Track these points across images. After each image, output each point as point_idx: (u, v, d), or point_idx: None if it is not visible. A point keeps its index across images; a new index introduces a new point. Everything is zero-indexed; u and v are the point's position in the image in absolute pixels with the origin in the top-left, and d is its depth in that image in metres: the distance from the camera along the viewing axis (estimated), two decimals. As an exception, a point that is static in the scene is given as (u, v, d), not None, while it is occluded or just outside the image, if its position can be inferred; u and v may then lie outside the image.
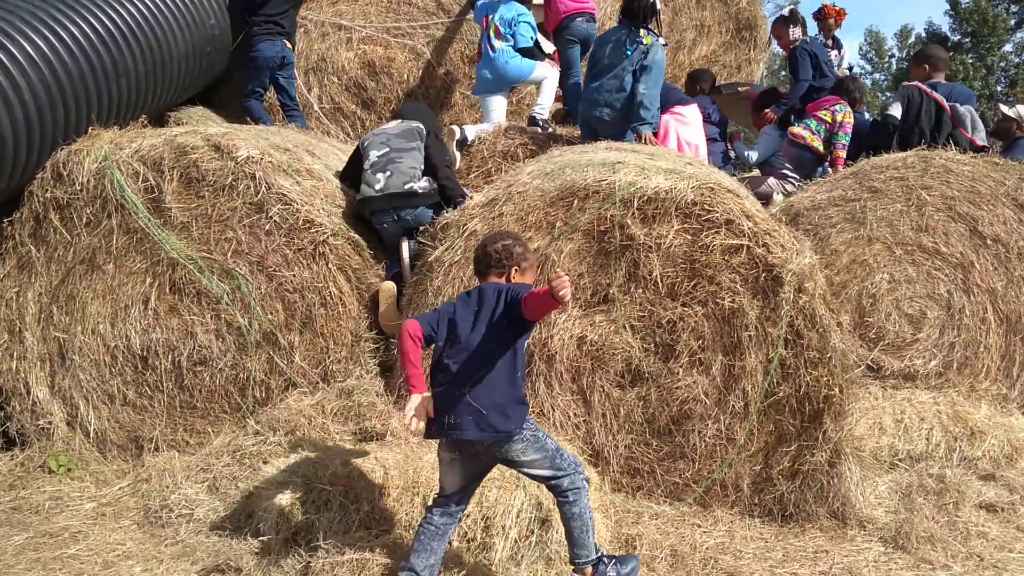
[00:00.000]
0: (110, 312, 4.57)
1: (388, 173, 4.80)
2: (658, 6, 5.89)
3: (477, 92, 6.70)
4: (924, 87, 6.08)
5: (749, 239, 3.98)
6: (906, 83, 6.29)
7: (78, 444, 4.57)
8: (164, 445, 4.55)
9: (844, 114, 6.58)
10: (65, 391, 4.60)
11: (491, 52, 6.55)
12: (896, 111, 5.98)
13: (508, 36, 6.64)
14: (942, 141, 5.71)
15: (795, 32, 7.06)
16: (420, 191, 4.77)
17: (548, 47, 7.15)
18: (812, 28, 8.13)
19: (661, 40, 5.83)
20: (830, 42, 8.17)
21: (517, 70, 6.63)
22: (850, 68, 7.64)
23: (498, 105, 6.66)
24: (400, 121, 5.21)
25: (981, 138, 5.89)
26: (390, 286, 4.53)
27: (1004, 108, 6.59)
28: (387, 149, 4.91)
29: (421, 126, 5.11)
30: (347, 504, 3.53)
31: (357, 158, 5.00)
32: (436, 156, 5.00)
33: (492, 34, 6.62)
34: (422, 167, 4.92)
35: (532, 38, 6.76)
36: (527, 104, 7.13)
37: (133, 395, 4.57)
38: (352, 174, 4.97)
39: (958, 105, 5.95)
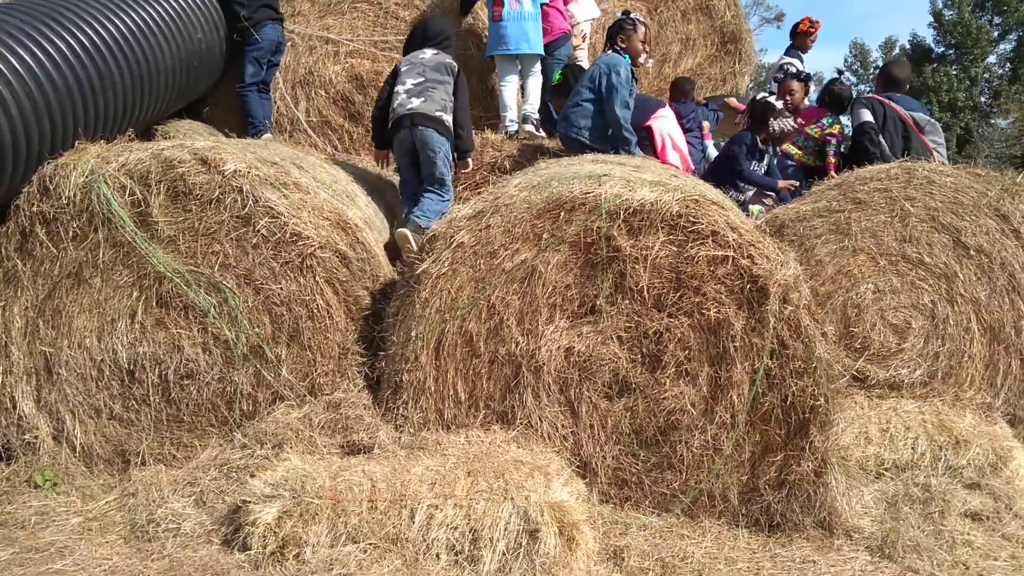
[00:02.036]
0: (97, 326, 4.56)
1: (423, 99, 5.44)
2: (631, 26, 5.98)
3: (496, 52, 6.88)
4: (882, 98, 6.20)
5: (734, 250, 4.01)
6: (864, 96, 6.42)
7: (64, 458, 4.54)
8: (151, 459, 4.53)
9: (831, 126, 6.66)
10: (51, 405, 4.58)
11: (514, 8, 6.66)
12: (868, 116, 6.09)
13: None
14: (912, 149, 5.83)
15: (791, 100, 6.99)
16: (445, 122, 5.45)
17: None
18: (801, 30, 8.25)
19: (642, 59, 5.97)
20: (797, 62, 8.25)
21: (537, 37, 6.80)
22: (839, 72, 7.72)
23: (513, 94, 6.71)
24: (435, 52, 5.71)
25: (938, 142, 5.99)
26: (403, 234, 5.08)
27: None
28: (422, 79, 5.52)
29: (453, 63, 5.70)
30: (335, 517, 3.52)
31: (392, 80, 5.64)
32: (460, 101, 5.63)
33: None
34: (452, 102, 5.54)
35: None
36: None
37: (120, 409, 4.56)
38: (383, 107, 5.60)
39: (921, 115, 6.07)
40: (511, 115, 6.89)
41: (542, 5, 6.95)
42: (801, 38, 8.26)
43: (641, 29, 6.08)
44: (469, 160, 5.86)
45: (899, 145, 6.11)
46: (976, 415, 4.80)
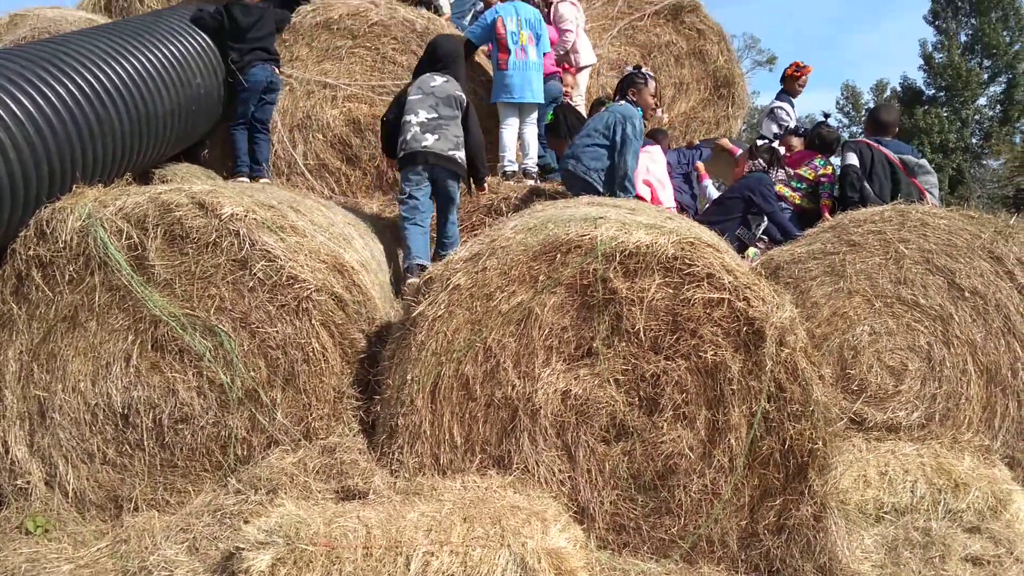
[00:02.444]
0: (91, 370, 4.53)
1: (437, 136, 5.69)
2: (642, 80, 6.14)
3: (501, 100, 6.98)
4: (871, 142, 6.28)
5: (730, 293, 4.01)
6: (851, 140, 6.52)
7: (56, 504, 4.50)
8: (144, 505, 4.48)
9: (823, 168, 6.72)
10: (44, 450, 4.54)
11: (520, 59, 6.77)
12: (854, 160, 6.17)
13: (536, 40, 6.95)
14: (902, 192, 5.89)
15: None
16: (459, 160, 5.76)
17: None
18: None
19: (659, 112, 6.17)
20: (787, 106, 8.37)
21: (539, 86, 6.95)
22: (826, 115, 7.83)
23: (513, 137, 6.87)
24: (445, 79, 5.90)
25: (930, 183, 6.04)
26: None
27: None
28: (436, 115, 5.74)
29: (462, 95, 5.92)
30: (329, 565, 3.48)
31: (399, 105, 5.84)
32: (473, 133, 5.95)
33: (524, 40, 6.79)
34: (462, 137, 5.81)
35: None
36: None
37: (113, 454, 4.52)
38: (393, 119, 5.84)
39: (910, 158, 6.13)
40: (510, 155, 6.96)
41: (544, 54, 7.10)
42: (789, 82, 8.38)
43: (652, 83, 6.32)
44: (486, 185, 6.28)
45: (887, 188, 6.17)
46: (975, 458, 4.77)
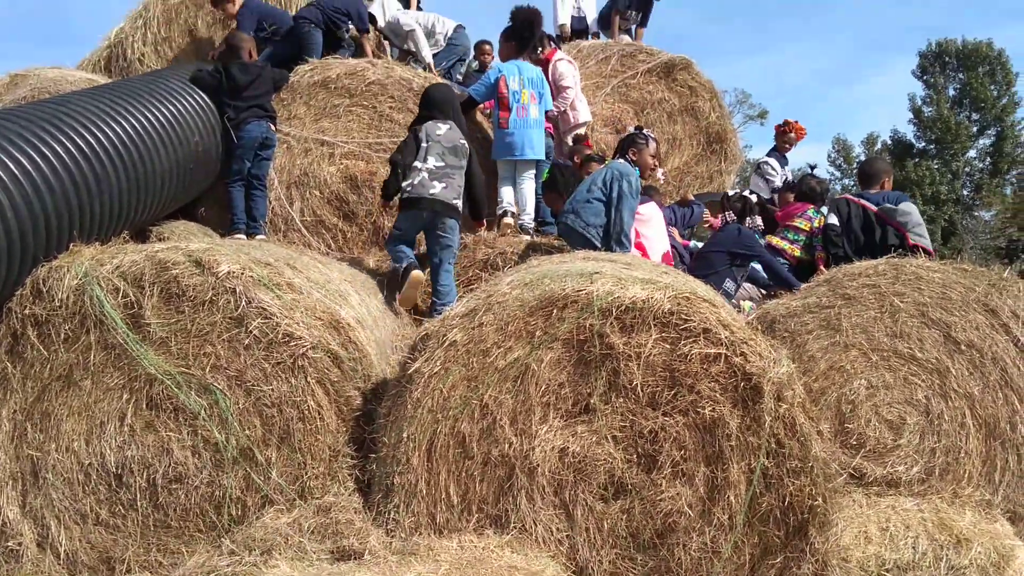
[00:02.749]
0: (85, 429, 4.50)
1: (444, 185, 5.94)
2: (643, 141, 6.26)
3: (502, 158, 7.16)
4: (850, 196, 6.37)
5: (727, 348, 4.01)
6: (833, 198, 6.62)
7: (48, 566, 4.43)
8: (136, 566, 4.41)
9: (819, 219, 6.77)
10: (36, 511, 4.48)
11: (521, 116, 6.96)
12: (833, 219, 6.26)
13: (539, 99, 7.10)
14: (880, 240, 5.95)
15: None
16: (459, 208, 6.03)
17: None
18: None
19: (659, 173, 6.27)
20: (776, 164, 8.49)
21: (540, 143, 7.13)
22: (812, 166, 7.94)
23: (510, 192, 7.06)
24: (450, 127, 6.13)
25: (919, 233, 6.07)
26: (419, 276, 5.65)
27: None
28: (443, 164, 6.00)
29: (466, 145, 6.18)
30: (324, 628, 3.42)
31: (410, 148, 6.02)
32: (477, 175, 6.27)
33: (526, 99, 6.95)
34: (463, 185, 6.09)
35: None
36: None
37: (106, 514, 4.46)
38: (409, 162, 5.98)
39: (888, 204, 6.19)
40: (508, 200, 7.04)
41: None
42: (778, 139, 8.51)
43: (652, 144, 6.44)
44: (483, 223, 6.65)
45: (862, 240, 6.23)
46: (976, 512, 4.73)
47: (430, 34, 8.70)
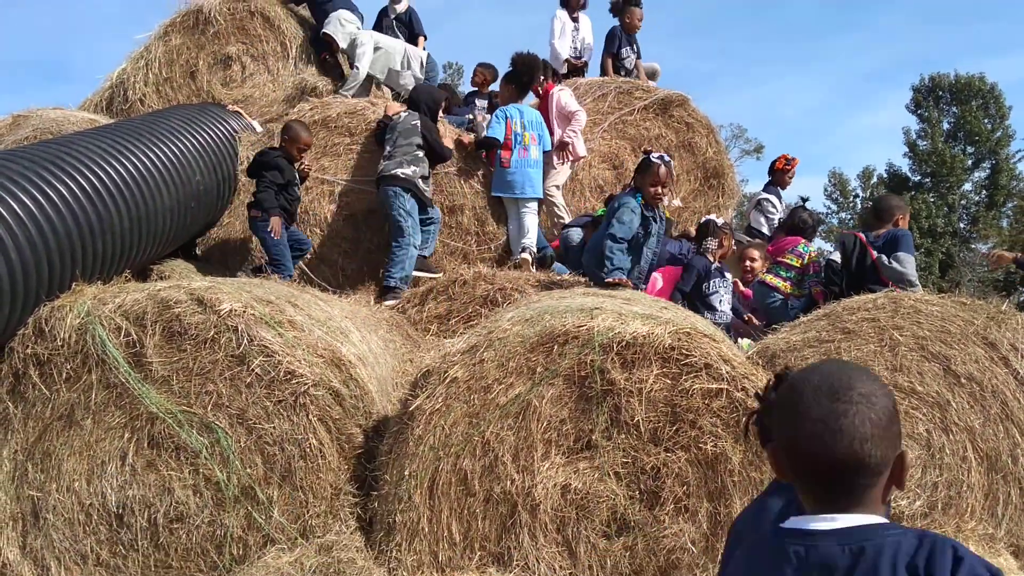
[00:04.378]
0: (86, 469, 4.49)
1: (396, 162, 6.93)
2: (646, 166, 5.98)
3: (503, 195, 7.41)
4: (859, 233, 6.37)
5: (728, 383, 4.03)
6: (843, 232, 6.66)
7: (47, 608, 4.40)
8: (136, 607, 4.39)
9: (809, 254, 6.77)
10: (37, 551, 4.46)
11: (522, 157, 7.22)
12: (835, 256, 6.27)
13: (539, 140, 7.40)
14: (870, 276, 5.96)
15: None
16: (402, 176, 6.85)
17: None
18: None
19: (670, 199, 6.10)
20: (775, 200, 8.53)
21: (539, 181, 7.36)
22: (803, 199, 7.97)
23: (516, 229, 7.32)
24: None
25: (899, 258, 6.01)
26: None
27: None
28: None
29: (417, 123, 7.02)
30: (327, 669, 3.40)
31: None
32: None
33: (528, 140, 7.11)
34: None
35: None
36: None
37: (107, 555, 4.44)
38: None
39: (884, 255, 6.14)
40: (530, 247, 7.15)
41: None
42: (779, 175, 8.52)
43: (658, 169, 5.82)
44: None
45: (855, 276, 6.22)
46: (979, 546, 4.70)
47: (405, 65, 8.60)
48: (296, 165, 6.94)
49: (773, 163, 8.59)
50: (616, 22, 9.45)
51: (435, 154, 7.16)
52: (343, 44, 8.29)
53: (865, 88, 71.47)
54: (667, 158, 5.86)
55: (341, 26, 8.21)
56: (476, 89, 10.44)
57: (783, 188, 8.72)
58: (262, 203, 6.57)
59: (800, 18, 70.94)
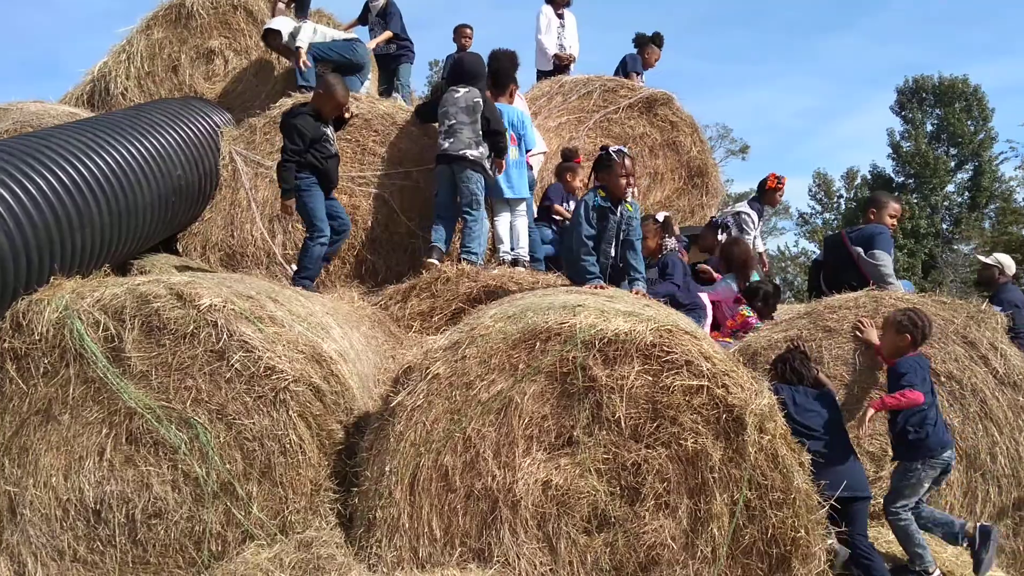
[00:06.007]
0: (64, 464, 4.45)
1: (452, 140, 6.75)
2: (606, 160, 5.92)
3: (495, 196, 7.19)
4: (843, 233, 6.42)
5: (709, 380, 4.03)
6: (828, 234, 6.71)
7: (23, 604, 4.35)
8: (114, 604, 4.35)
9: (741, 312, 6.64)
10: (13, 547, 4.41)
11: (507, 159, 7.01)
12: (818, 255, 6.36)
13: (519, 140, 7.22)
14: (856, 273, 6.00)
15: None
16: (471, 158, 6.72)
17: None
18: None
19: (629, 195, 5.89)
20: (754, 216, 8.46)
21: (521, 183, 7.16)
22: (735, 227, 7.83)
23: (505, 229, 7.14)
24: (467, 91, 6.79)
25: (877, 259, 6.04)
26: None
27: (982, 257, 7.01)
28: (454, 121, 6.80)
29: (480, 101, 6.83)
30: (305, 665, 3.38)
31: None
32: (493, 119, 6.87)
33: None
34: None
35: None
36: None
37: (84, 551, 4.40)
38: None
39: (861, 248, 6.18)
40: (505, 247, 7.05)
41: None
42: (769, 194, 8.37)
43: (623, 160, 5.63)
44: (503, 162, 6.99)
45: (834, 273, 6.25)
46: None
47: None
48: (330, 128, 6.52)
49: (764, 181, 8.44)
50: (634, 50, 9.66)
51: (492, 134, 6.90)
52: (286, 34, 8.12)
53: (850, 90, 71.88)
54: (625, 150, 5.69)
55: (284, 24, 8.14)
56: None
57: (772, 207, 8.67)
58: (280, 182, 6.25)
59: (786, 21, 71.24)
